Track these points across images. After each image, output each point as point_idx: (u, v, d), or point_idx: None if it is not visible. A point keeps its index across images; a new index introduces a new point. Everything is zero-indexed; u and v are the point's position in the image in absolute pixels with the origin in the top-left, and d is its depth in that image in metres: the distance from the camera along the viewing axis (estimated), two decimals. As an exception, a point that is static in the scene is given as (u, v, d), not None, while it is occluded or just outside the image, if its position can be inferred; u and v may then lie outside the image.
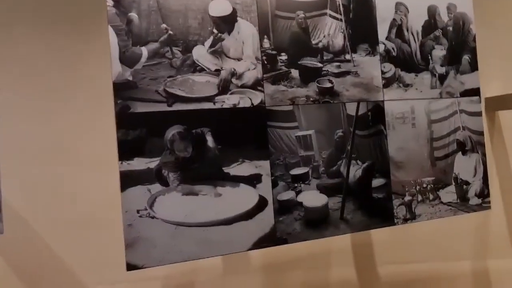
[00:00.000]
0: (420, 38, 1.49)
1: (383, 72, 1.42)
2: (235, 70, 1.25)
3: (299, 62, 1.32)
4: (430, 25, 1.51)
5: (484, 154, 1.56)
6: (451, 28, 1.54)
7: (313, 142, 1.33)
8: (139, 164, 1.14)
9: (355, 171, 1.37)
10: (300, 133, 1.31)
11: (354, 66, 1.39)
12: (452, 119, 1.52)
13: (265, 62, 1.28)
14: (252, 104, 1.26)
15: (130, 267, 1.11)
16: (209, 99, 1.21)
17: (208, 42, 1.23)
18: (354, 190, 1.36)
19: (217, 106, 1.22)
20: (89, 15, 1.39)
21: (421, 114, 1.48)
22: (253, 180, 1.25)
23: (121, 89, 1.13)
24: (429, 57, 1.50)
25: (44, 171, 1.34)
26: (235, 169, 1.23)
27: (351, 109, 1.38)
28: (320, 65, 1.35)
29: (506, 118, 2.04)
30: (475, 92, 1.57)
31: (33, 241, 1.32)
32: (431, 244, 1.81)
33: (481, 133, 1.56)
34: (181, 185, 1.18)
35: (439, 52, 1.51)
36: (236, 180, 1.23)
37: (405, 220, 1.43)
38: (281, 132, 1.29)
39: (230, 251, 1.21)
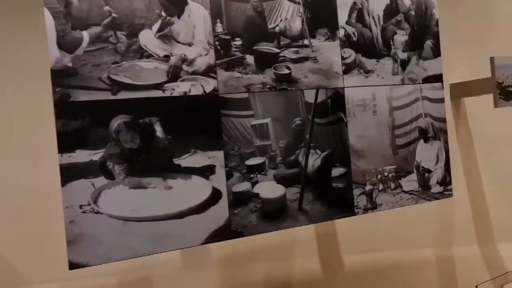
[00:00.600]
0: (382, 22, 1.45)
1: (343, 58, 1.38)
2: (185, 55, 1.18)
3: (254, 48, 1.26)
4: (392, 9, 1.47)
5: (446, 142, 1.54)
6: (413, 13, 1.50)
7: (269, 131, 1.28)
8: (81, 156, 1.07)
9: (314, 160, 1.33)
10: (256, 122, 1.26)
11: (313, 51, 1.34)
12: (414, 106, 1.49)
13: (218, 47, 1.21)
14: (204, 91, 1.19)
15: (73, 265, 1.05)
16: (158, 86, 1.15)
17: (156, 26, 1.15)
18: (313, 180, 1.32)
19: (167, 94, 1.16)
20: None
21: (383, 101, 1.44)
22: (206, 171, 1.20)
23: (60, 76, 1.05)
24: (391, 43, 1.46)
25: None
26: (186, 160, 1.18)
27: (309, 96, 1.33)
28: (277, 50, 1.29)
29: (471, 104, 2.03)
30: (438, 78, 1.54)
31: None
32: (393, 233, 1.80)
33: (443, 120, 1.54)
34: (128, 178, 1.11)
35: (401, 37, 1.47)
36: (188, 171, 1.18)
37: (366, 210, 1.40)
38: (235, 121, 1.23)
39: (182, 245, 1.16)
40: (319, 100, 1.34)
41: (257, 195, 1.25)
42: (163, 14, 1.16)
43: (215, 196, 1.20)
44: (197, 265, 1.47)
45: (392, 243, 1.81)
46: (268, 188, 1.27)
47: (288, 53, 1.30)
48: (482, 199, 2.07)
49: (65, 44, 1.06)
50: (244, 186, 1.24)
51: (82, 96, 1.07)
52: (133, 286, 1.38)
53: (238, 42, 1.24)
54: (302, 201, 1.31)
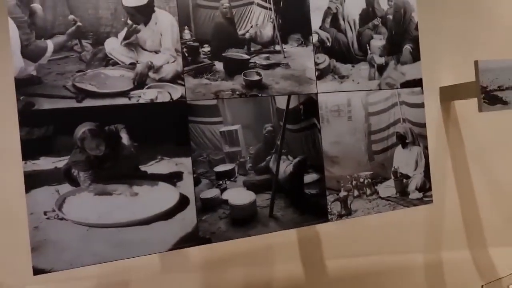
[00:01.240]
0: (358, 27, 1.43)
1: (316, 64, 1.37)
2: (152, 63, 1.19)
3: (223, 54, 1.26)
4: (368, 13, 1.45)
5: (426, 147, 1.52)
6: (391, 17, 1.48)
7: (239, 138, 1.28)
8: (45, 163, 1.08)
9: (286, 166, 1.32)
10: (224, 129, 1.26)
11: (285, 57, 1.33)
12: (392, 111, 1.47)
13: (186, 54, 1.22)
14: (171, 98, 1.20)
15: (37, 271, 1.07)
16: (124, 94, 1.16)
17: (122, 34, 1.16)
18: (284, 187, 1.32)
19: (133, 101, 1.17)
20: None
21: (358, 107, 1.42)
22: (173, 178, 1.20)
23: (24, 85, 1.07)
24: (367, 47, 1.44)
25: None
26: (153, 167, 1.18)
27: (281, 102, 1.32)
28: (247, 57, 1.29)
29: (461, 107, 2.00)
30: (417, 83, 1.51)
31: None
32: (371, 239, 1.78)
33: (423, 125, 1.52)
34: (93, 184, 1.13)
35: (378, 42, 1.46)
36: (155, 178, 1.18)
37: (340, 216, 1.39)
38: (204, 128, 1.24)
39: (148, 252, 1.17)
40: (291, 106, 1.33)
41: (226, 201, 1.25)
42: (129, 22, 1.17)
43: (183, 202, 1.21)
44: (168, 271, 1.48)
45: (370, 249, 1.79)
46: (238, 195, 1.27)
47: (259, 59, 1.30)
48: (473, 202, 2.03)
49: (29, 53, 1.08)
50: (213, 192, 1.24)
51: (47, 104, 1.09)
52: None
53: (206, 48, 1.24)
54: (273, 207, 1.30)
